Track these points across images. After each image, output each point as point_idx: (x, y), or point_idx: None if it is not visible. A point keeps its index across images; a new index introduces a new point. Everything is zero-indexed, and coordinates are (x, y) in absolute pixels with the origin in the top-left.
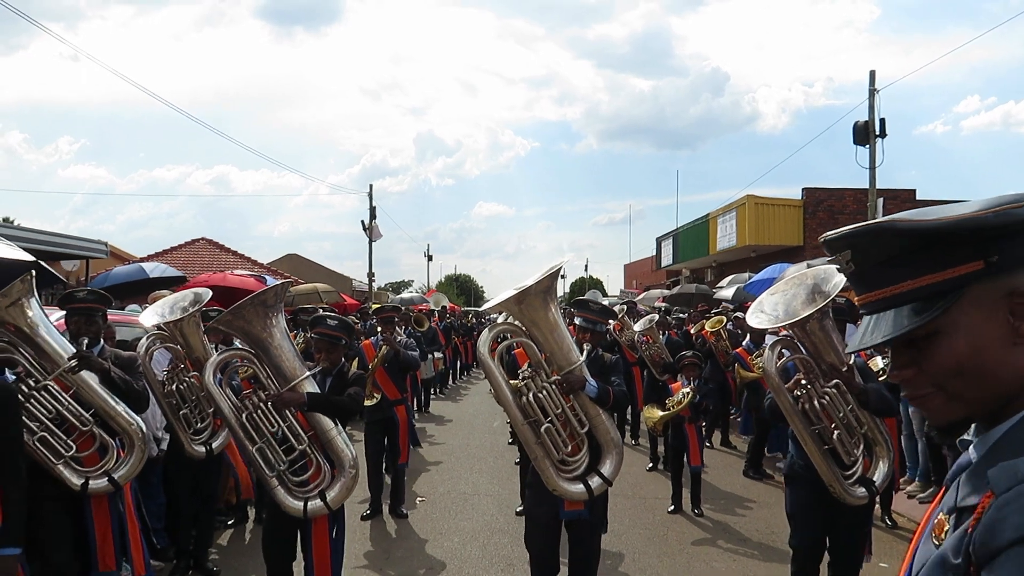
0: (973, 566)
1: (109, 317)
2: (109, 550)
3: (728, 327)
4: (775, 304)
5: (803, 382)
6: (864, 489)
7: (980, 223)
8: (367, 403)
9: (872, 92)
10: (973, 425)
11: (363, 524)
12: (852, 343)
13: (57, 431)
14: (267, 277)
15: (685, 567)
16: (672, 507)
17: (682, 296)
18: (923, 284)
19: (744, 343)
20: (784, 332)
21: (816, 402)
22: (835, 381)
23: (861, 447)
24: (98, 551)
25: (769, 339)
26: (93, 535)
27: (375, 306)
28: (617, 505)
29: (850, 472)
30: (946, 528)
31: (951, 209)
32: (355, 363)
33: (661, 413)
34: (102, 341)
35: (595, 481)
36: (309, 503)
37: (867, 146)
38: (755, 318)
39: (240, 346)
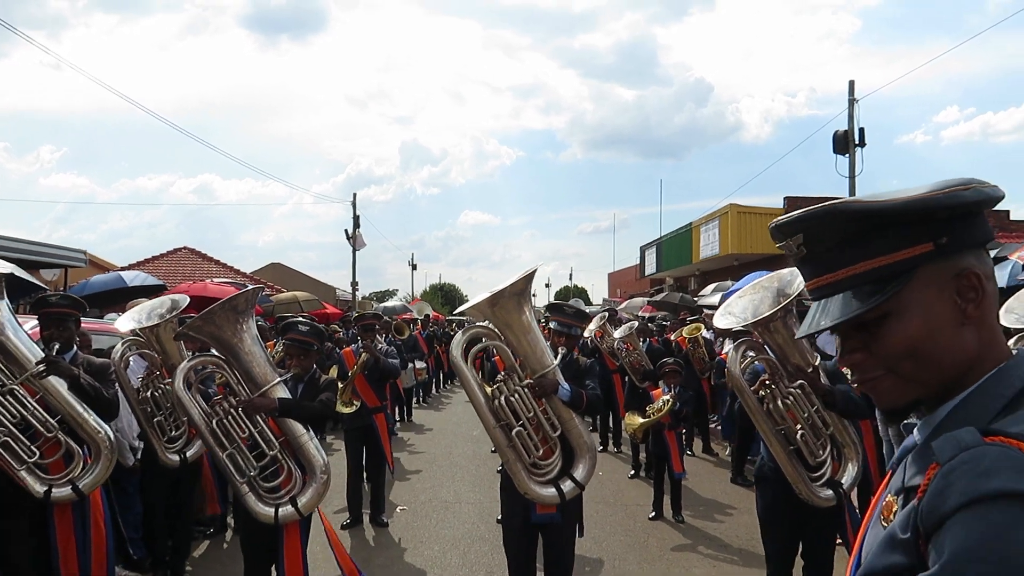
0: (922, 538)
1: (87, 325)
2: (72, 561)
3: (706, 335)
4: (743, 307)
5: (767, 382)
6: (831, 491)
7: (930, 204)
8: (346, 411)
9: (851, 102)
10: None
11: (343, 533)
12: (801, 329)
13: (21, 436)
14: (248, 285)
15: (664, 573)
16: (653, 513)
17: (666, 304)
18: (874, 266)
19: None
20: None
21: (780, 402)
22: (800, 382)
23: (828, 448)
24: (60, 561)
25: None
26: (56, 547)
27: (356, 314)
28: (598, 512)
29: (818, 474)
30: (894, 509)
31: (902, 191)
32: (335, 370)
33: (642, 420)
34: (75, 348)
35: (567, 485)
36: (280, 509)
37: (847, 155)
38: (723, 319)
39: (213, 353)
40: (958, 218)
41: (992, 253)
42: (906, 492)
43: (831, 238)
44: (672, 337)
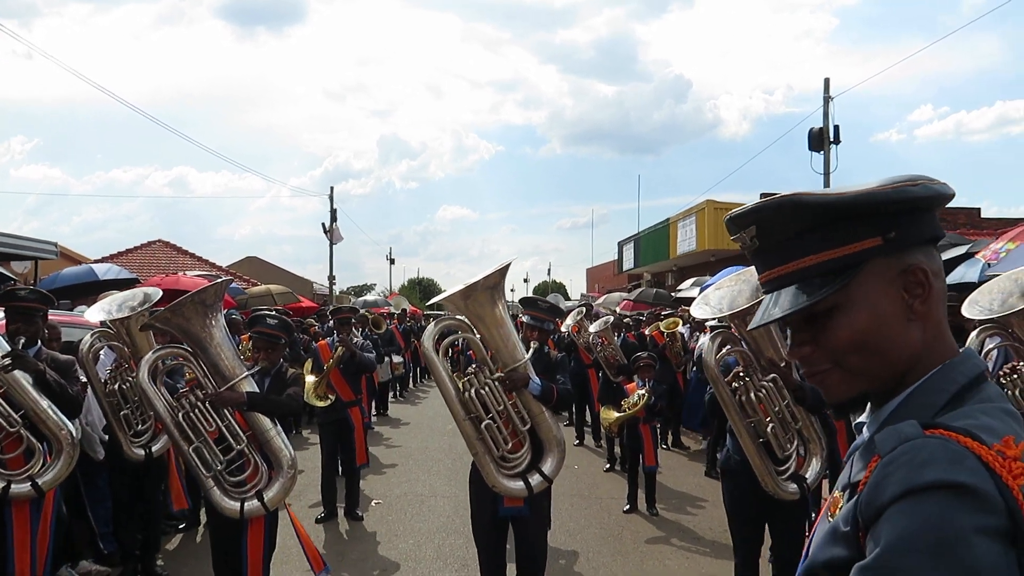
0: (861, 530)
1: (56, 317)
2: (26, 559)
3: (682, 330)
4: (720, 298)
5: (741, 374)
6: (796, 485)
7: (879, 199)
8: (321, 404)
9: (827, 99)
10: (868, 406)
11: (317, 527)
12: (753, 320)
13: None
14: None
15: (638, 565)
16: (627, 507)
17: (642, 300)
18: (824, 259)
19: None
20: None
21: (752, 395)
22: (772, 376)
23: (795, 443)
24: (16, 559)
25: None
26: (11, 545)
27: (332, 308)
28: (573, 505)
29: (783, 468)
30: (840, 504)
31: (853, 185)
32: (310, 363)
33: (617, 414)
34: (40, 343)
35: (535, 478)
36: (246, 504)
37: (822, 152)
38: (700, 310)
39: (180, 344)
40: (906, 213)
41: (963, 249)
42: (851, 487)
43: (783, 231)
44: (647, 331)
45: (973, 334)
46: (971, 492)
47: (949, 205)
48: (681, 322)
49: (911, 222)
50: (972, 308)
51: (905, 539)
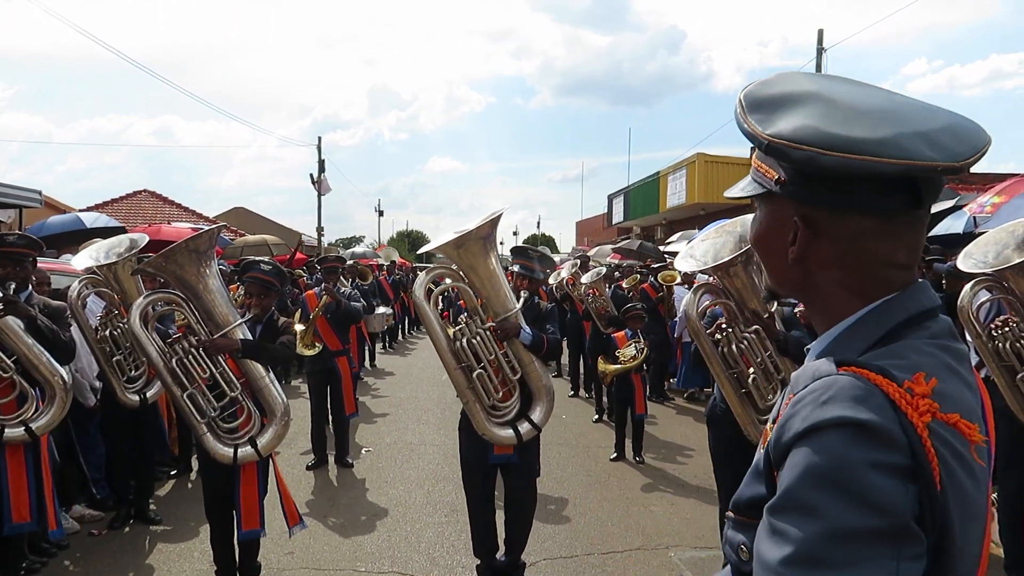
0: (774, 468)
1: (43, 265)
2: (24, 501)
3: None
4: (705, 250)
5: (724, 326)
6: None
7: (776, 147)
8: (308, 353)
9: (820, 51)
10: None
11: (307, 474)
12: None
13: None
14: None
15: (624, 511)
16: (615, 455)
17: (625, 250)
18: (760, 168)
19: None
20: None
21: (735, 346)
22: (755, 327)
23: (779, 392)
24: (11, 502)
25: None
26: (6, 486)
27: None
28: (561, 454)
29: (766, 417)
30: (768, 437)
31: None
32: (299, 314)
33: (614, 367)
34: (30, 287)
35: (524, 426)
36: (239, 449)
37: None
38: (685, 263)
39: (171, 289)
40: (799, 169)
41: (951, 202)
42: (774, 422)
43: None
44: (625, 285)
45: (967, 286)
46: (871, 429)
47: None
48: (678, 275)
49: (800, 178)
50: (967, 261)
51: (805, 475)
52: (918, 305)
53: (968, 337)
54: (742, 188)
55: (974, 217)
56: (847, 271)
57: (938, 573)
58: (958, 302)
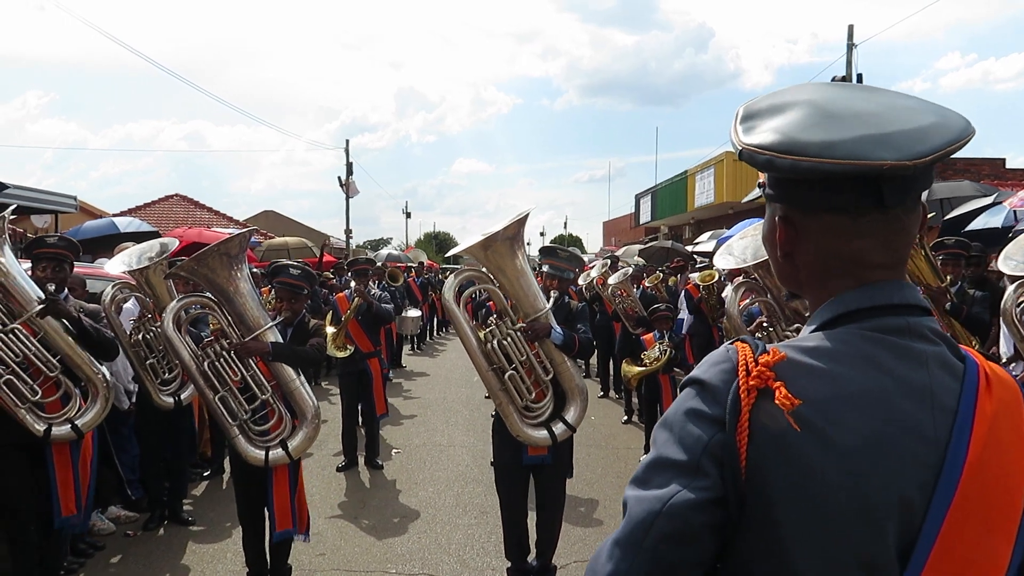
0: None
1: (80, 270)
2: (71, 496)
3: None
4: (744, 248)
5: (764, 324)
6: None
7: (747, 154)
8: (340, 355)
9: (850, 47)
10: None
11: (338, 475)
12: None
13: (24, 375)
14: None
15: None
16: (644, 455)
17: (652, 251)
18: (760, 175)
19: None
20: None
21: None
22: (796, 325)
23: None
24: (60, 498)
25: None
26: (55, 482)
27: (349, 260)
28: (590, 455)
29: None
30: None
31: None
32: (330, 316)
33: (639, 369)
34: (66, 290)
35: (559, 427)
36: (270, 452)
37: None
38: (723, 260)
39: (203, 292)
40: (773, 175)
41: (990, 199)
42: None
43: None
44: (647, 284)
45: (1010, 289)
46: (704, 386)
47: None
48: (717, 275)
49: (778, 182)
50: (1007, 263)
51: (660, 420)
52: (866, 301)
53: (1005, 338)
54: (753, 195)
55: (1014, 211)
56: (822, 266)
57: (762, 548)
58: (1002, 304)
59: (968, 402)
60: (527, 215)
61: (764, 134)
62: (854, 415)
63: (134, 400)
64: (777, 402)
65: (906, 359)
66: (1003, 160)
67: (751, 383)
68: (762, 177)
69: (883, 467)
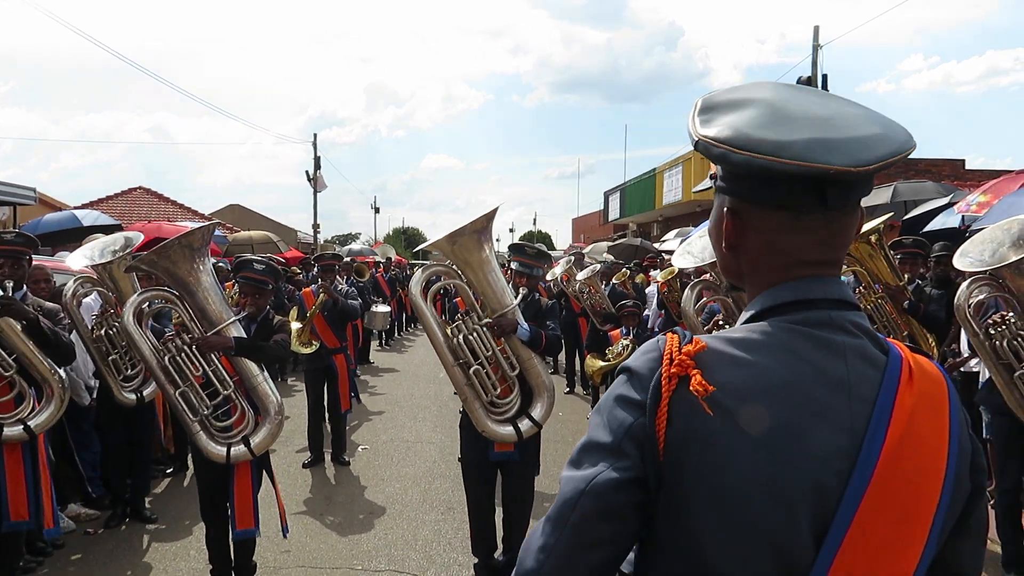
0: None
1: (46, 264)
2: (21, 499)
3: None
4: (703, 247)
5: (721, 323)
6: None
7: (703, 146)
8: (306, 351)
9: (815, 47)
10: None
11: (304, 472)
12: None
13: None
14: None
15: None
16: None
17: (621, 248)
18: (712, 168)
19: None
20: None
21: None
22: None
23: None
24: (9, 501)
25: None
26: (4, 484)
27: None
28: (557, 451)
29: None
30: None
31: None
32: (295, 311)
33: (602, 363)
34: (25, 287)
35: (525, 424)
36: (232, 448)
37: None
38: (682, 259)
39: (165, 287)
40: (725, 168)
41: (946, 199)
42: None
43: None
44: (615, 281)
45: (963, 285)
46: (633, 373)
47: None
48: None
49: (730, 175)
50: (963, 259)
51: (597, 404)
52: (797, 294)
53: (964, 335)
54: (704, 185)
55: (962, 215)
56: (761, 260)
57: (678, 528)
58: (955, 301)
59: (888, 393)
60: (495, 211)
61: (721, 128)
62: (770, 402)
63: (95, 396)
64: (691, 388)
65: (825, 350)
66: (963, 161)
67: (672, 371)
68: (715, 169)
69: (796, 452)
